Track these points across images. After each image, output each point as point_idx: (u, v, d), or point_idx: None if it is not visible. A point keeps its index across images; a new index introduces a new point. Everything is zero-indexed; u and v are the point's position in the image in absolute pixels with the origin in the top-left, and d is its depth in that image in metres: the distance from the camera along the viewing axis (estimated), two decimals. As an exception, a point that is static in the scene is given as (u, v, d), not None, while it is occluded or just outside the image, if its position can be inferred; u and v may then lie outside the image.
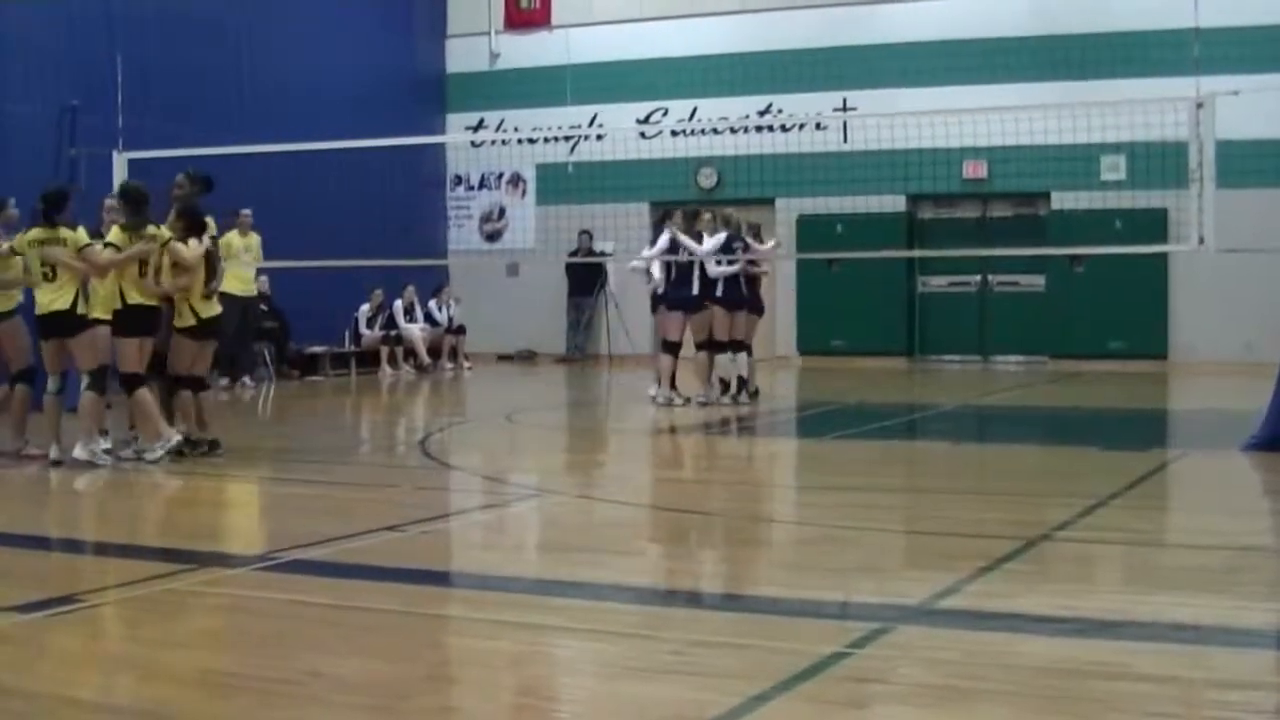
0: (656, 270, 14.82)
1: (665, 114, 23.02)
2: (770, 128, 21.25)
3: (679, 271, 14.54)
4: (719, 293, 14.55)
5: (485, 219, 24.52)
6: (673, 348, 14.69)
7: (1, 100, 16.62)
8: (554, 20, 24.31)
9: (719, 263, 14.51)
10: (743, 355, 14.78)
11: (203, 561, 6.80)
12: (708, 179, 22.93)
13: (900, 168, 19.41)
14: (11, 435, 10.86)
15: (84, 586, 6.09)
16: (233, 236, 17.77)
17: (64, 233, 10.56)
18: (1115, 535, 7.43)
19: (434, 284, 22.11)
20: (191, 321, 10.82)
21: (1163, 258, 19.75)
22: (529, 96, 23.92)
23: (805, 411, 14.85)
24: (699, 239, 14.52)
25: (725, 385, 14.83)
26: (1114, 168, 20.20)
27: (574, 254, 21.90)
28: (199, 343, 10.90)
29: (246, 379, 17.88)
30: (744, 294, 14.77)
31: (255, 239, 17.87)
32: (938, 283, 21.79)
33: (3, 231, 11.08)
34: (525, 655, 5.24)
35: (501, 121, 24.27)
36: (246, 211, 17.72)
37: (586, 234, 22.02)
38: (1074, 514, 7.91)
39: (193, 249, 10.75)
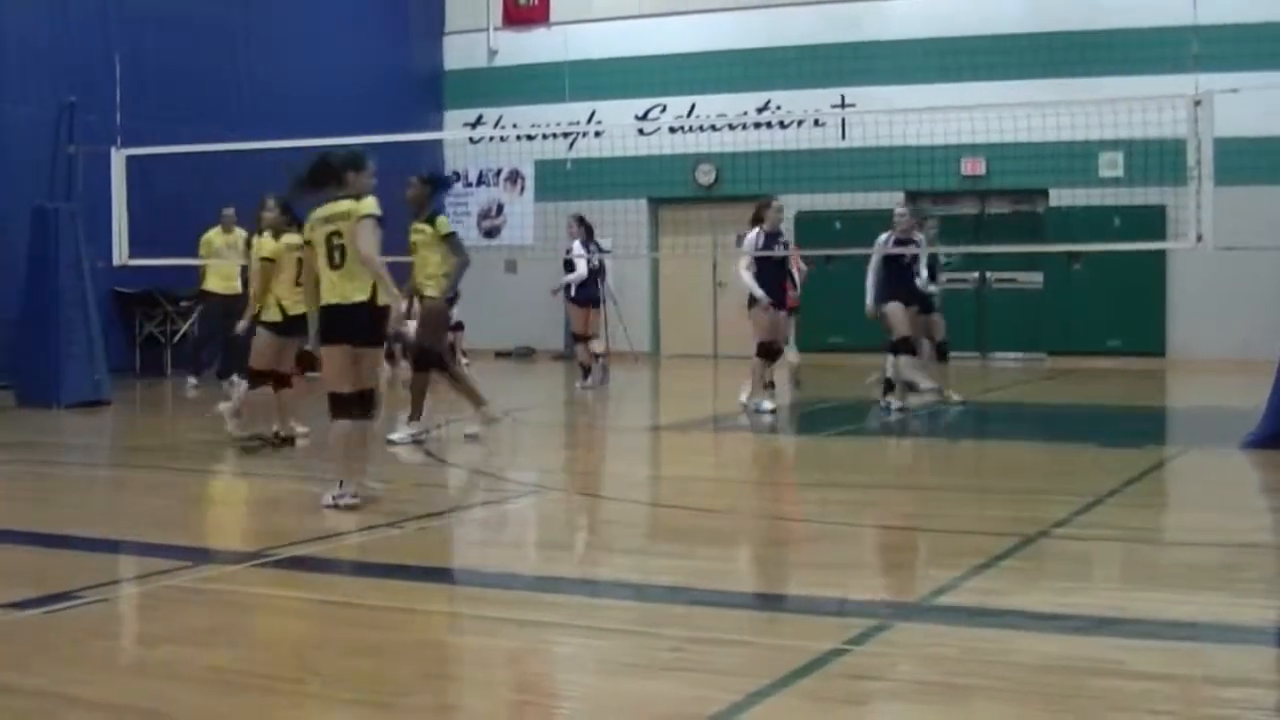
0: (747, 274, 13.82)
1: (663, 110, 23.02)
2: (768, 124, 21.26)
3: (775, 271, 13.91)
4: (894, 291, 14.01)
5: (483, 215, 24.52)
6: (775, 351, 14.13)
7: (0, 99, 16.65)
8: (552, 17, 24.32)
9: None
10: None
11: (201, 558, 6.80)
12: (706, 175, 22.95)
13: (898, 164, 19.40)
14: None
15: (82, 583, 6.08)
16: (214, 234, 17.74)
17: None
18: (1113, 532, 7.44)
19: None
20: (278, 317, 11.02)
21: (1161, 255, 19.76)
22: (527, 93, 23.94)
23: (803, 408, 14.85)
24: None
25: (911, 386, 14.24)
26: (1112, 165, 20.21)
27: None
28: (282, 339, 11.06)
29: (235, 377, 17.81)
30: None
31: (240, 236, 17.81)
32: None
33: None
34: (524, 652, 5.24)
35: (500, 118, 24.28)
36: (229, 210, 17.67)
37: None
38: (1072, 511, 7.92)
39: (268, 245, 11.06)
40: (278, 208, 11.18)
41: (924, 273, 14.23)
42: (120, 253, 14.52)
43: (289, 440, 11.13)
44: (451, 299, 11.84)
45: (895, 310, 13.84)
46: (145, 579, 6.41)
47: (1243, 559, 6.75)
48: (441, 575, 6.78)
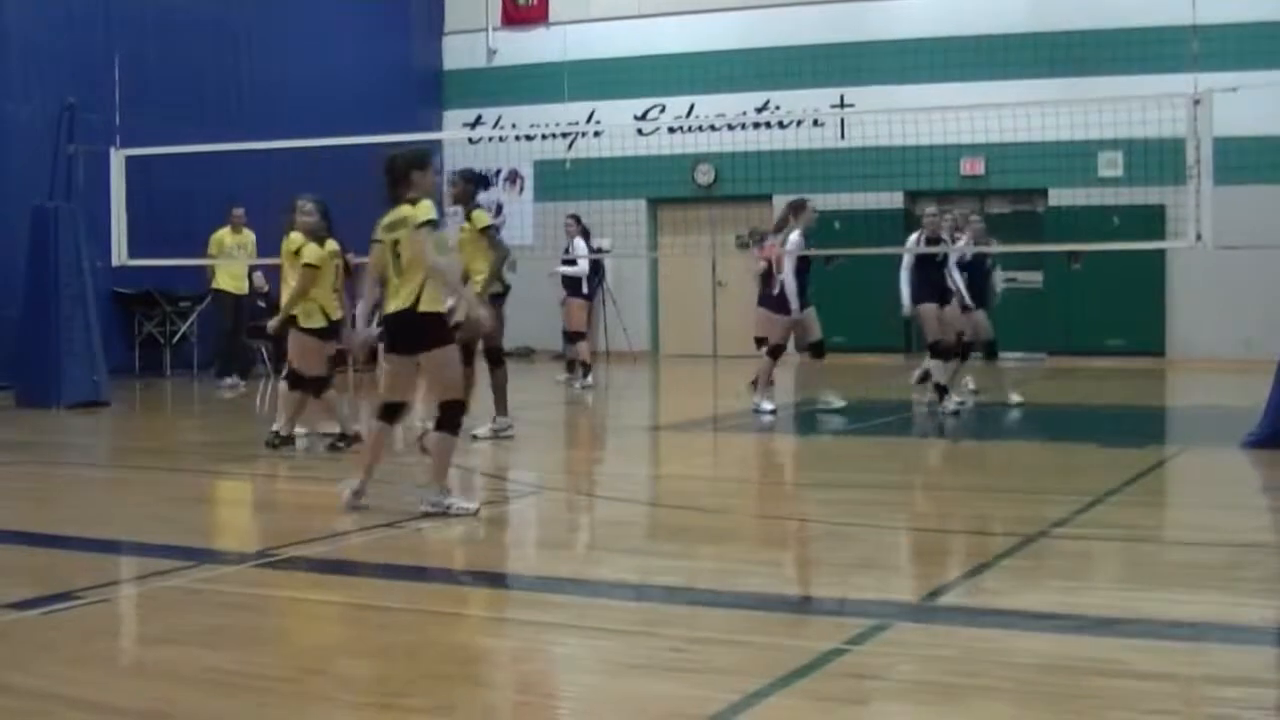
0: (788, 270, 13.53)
1: (663, 110, 23.02)
2: (768, 124, 21.27)
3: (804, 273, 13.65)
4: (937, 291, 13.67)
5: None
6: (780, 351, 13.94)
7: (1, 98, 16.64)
8: (551, 17, 24.32)
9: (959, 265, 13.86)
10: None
11: (201, 558, 6.80)
12: (705, 175, 22.94)
13: (898, 164, 19.41)
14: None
15: (82, 583, 6.08)
16: (224, 234, 17.80)
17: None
18: (1113, 532, 7.44)
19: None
20: (322, 323, 11.05)
21: (1160, 254, 19.75)
22: (526, 93, 23.94)
23: (803, 408, 14.84)
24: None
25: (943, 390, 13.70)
26: (1111, 164, 20.20)
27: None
28: (327, 344, 11.17)
29: (231, 377, 17.86)
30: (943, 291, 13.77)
31: (249, 236, 17.87)
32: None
33: None
34: (525, 652, 5.24)
35: (499, 118, 24.28)
36: (239, 210, 17.72)
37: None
38: (1072, 510, 7.92)
39: (313, 251, 11.02)
40: (318, 212, 11.15)
41: (956, 274, 13.94)
42: (119, 253, 14.53)
43: (289, 440, 11.13)
44: (502, 294, 11.88)
45: (927, 311, 13.65)
46: (145, 579, 6.40)
47: (1243, 558, 6.75)
48: (441, 575, 6.77)
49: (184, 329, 19.04)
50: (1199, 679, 4.65)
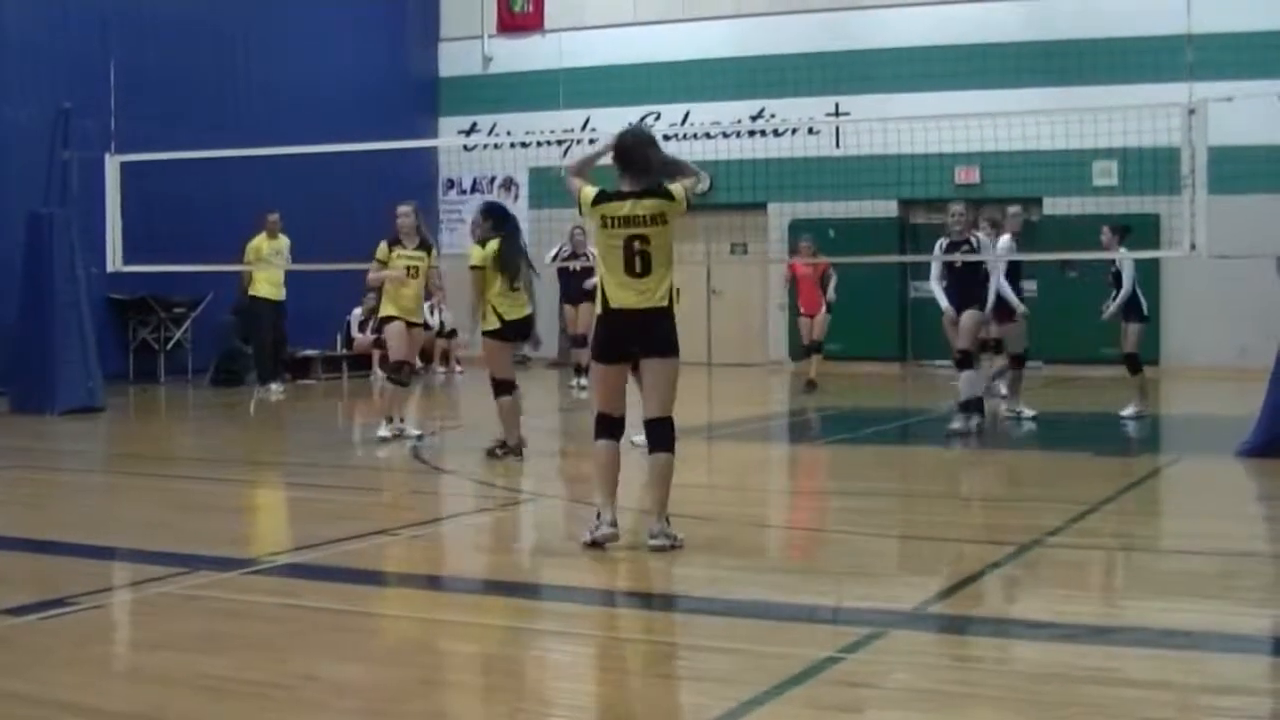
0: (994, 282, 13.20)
1: (658, 118, 23.01)
2: (763, 132, 21.32)
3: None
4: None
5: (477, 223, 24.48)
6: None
7: (-3, 103, 16.67)
8: (546, 24, 24.35)
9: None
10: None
11: (197, 564, 6.79)
12: (700, 183, 22.93)
13: (892, 172, 19.41)
14: None
15: (78, 589, 6.08)
16: (260, 241, 17.82)
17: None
18: (1108, 540, 7.45)
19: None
20: (496, 324, 11.07)
21: (1155, 263, 19.75)
22: (521, 100, 23.95)
23: (798, 416, 14.85)
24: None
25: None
26: (1106, 173, 20.25)
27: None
28: (509, 344, 11.23)
29: (275, 383, 17.95)
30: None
31: (284, 241, 17.92)
32: (930, 287, 21.78)
33: None
34: (519, 659, 5.24)
35: (494, 125, 24.28)
36: (274, 215, 17.73)
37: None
38: (1067, 519, 7.92)
39: (476, 253, 11.18)
40: (491, 215, 11.57)
41: (1002, 280, 13.36)
42: (114, 259, 14.51)
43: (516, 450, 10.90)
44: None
45: (963, 318, 12.96)
46: (140, 585, 6.40)
47: (1238, 567, 6.75)
48: (436, 582, 6.77)
49: (179, 335, 19.02)
50: (1194, 687, 4.66)
